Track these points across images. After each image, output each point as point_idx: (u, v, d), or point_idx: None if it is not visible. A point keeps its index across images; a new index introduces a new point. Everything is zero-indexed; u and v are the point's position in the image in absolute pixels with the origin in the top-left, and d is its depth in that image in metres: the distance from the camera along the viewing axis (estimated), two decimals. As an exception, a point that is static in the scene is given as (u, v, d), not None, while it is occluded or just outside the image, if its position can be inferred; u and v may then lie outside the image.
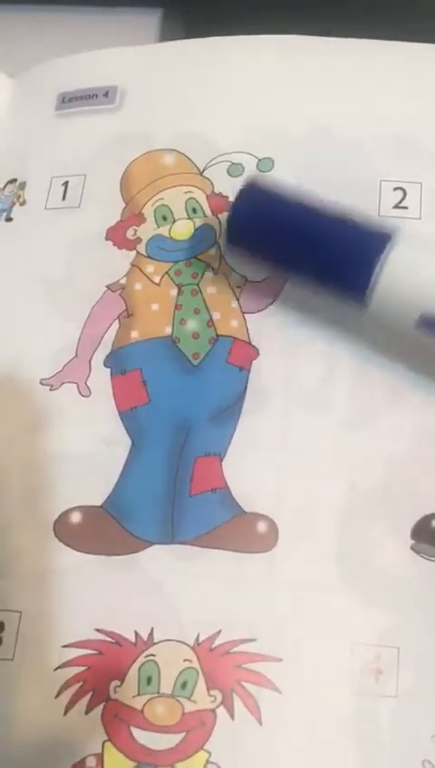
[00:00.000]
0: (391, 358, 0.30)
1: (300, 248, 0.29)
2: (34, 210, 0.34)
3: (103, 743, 0.26)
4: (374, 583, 0.27)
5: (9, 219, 0.35)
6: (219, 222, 0.33)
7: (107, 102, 0.36)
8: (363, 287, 0.27)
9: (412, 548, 0.28)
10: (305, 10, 0.36)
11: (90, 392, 0.30)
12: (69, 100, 0.37)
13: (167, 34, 0.41)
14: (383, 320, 0.28)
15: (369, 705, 0.26)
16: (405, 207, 0.32)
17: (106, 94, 0.36)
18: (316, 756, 0.26)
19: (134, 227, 0.33)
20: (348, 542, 0.28)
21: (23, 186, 0.35)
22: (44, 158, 0.35)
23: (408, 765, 0.25)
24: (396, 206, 0.32)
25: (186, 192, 0.33)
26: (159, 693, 0.26)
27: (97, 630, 0.27)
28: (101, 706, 0.26)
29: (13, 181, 0.35)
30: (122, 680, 0.27)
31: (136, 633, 0.27)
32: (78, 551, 0.28)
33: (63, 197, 0.34)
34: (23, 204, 0.35)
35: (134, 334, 0.31)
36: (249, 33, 0.36)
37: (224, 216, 0.32)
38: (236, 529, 0.28)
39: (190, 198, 0.33)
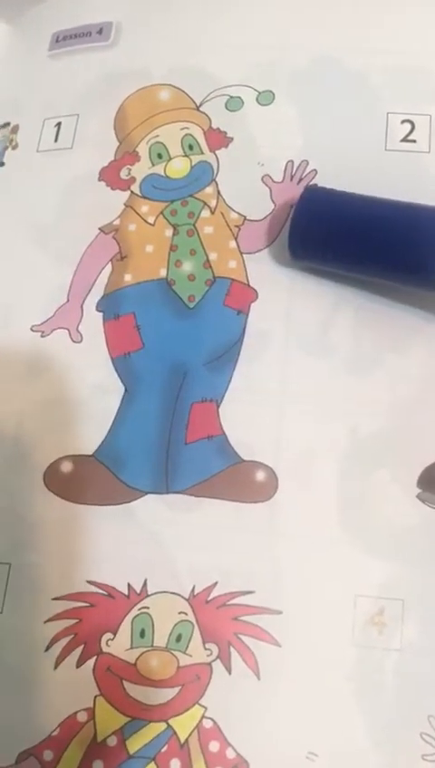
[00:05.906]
0: (397, 299, 0.28)
1: (367, 240, 0.27)
2: (26, 154, 0.33)
3: (95, 697, 0.25)
4: (378, 533, 0.26)
5: (1, 164, 0.33)
6: (217, 159, 0.31)
7: (101, 39, 0.34)
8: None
9: (418, 496, 0.26)
10: None
11: (81, 338, 0.29)
12: (62, 39, 0.35)
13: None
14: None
15: (372, 658, 0.25)
16: (413, 141, 0.30)
17: (100, 31, 0.35)
18: (317, 711, 0.25)
19: (128, 167, 0.31)
20: (351, 490, 0.26)
21: (15, 129, 0.34)
22: (37, 100, 0.34)
23: (413, 721, 0.24)
24: (404, 140, 0.30)
25: (182, 128, 0.32)
26: (152, 646, 0.25)
27: (89, 582, 0.26)
28: (93, 660, 0.25)
29: (5, 125, 0.34)
30: (115, 633, 0.26)
31: (129, 585, 0.26)
32: (69, 501, 0.27)
33: (56, 139, 0.33)
34: (15, 148, 0.33)
35: (128, 277, 0.30)
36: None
37: (222, 151, 0.31)
38: (232, 478, 0.27)
39: (187, 135, 0.31)
